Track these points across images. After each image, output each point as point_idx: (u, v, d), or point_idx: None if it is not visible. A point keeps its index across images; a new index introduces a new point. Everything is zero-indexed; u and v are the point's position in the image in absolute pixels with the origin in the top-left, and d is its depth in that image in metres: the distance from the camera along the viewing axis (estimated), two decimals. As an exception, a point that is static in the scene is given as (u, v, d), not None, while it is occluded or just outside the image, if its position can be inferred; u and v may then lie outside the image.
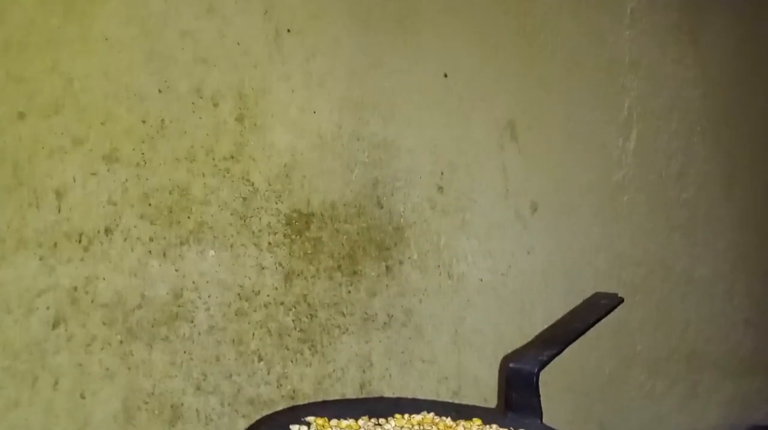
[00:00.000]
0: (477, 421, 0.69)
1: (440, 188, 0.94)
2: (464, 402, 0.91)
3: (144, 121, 0.74)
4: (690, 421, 1.22)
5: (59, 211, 0.69)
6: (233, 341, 0.77)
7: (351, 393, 0.82)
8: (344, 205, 0.86)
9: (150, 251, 0.73)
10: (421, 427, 0.68)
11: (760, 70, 1.36)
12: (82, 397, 0.69)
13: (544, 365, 0.68)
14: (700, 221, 1.27)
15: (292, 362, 0.80)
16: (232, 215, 0.78)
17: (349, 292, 0.85)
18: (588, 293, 1.04)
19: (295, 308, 0.81)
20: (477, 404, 0.92)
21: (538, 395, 0.67)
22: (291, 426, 0.66)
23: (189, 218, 0.76)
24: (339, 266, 0.85)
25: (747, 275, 1.34)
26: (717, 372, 1.25)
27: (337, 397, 0.82)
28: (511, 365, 0.70)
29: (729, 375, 1.27)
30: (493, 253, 0.98)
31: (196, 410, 0.74)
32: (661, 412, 1.18)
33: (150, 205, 0.73)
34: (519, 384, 0.68)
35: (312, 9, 0.83)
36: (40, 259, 0.67)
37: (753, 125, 1.35)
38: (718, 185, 1.30)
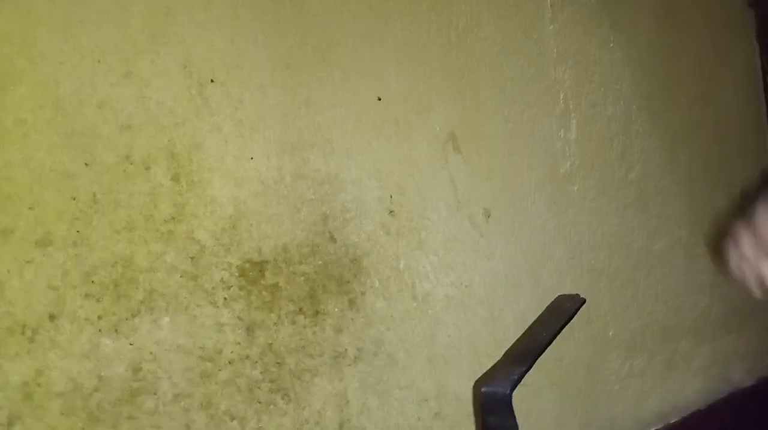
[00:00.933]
0: (458, 448, 0.65)
1: (392, 212, 0.90)
2: (447, 420, 0.87)
3: (74, 199, 0.69)
4: (673, 392, 1.19)
5: (-3, 307, 0.63)
6: (201, 405, 0.72)
7: (331, 436, 0.78)
8: (297, 246, 0.82)
9: (100, 330, 0.68)
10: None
11: (681, 39, 1.35)
12: (52, 493, 0.64)
13: (515, 384, 0.65)
14: (651, 195, 1.25)
15: (266, 415, 0.76)
16: (182, 277, 0.74)
17: (315, 333, 0.81)
18: (553, 288, 1.01)
19: (261, 359, 0.77)
20: (460, 420, 0.88)
21: (514, 416, 0.64)
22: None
23: (137, 288, 0.71)
24: (301, 309, 0.81)
25: (704, 239, 1.32)
26: (691, 340, 1.23)
27: (317, 442, 0.77)
28: (483, 389, 0.66)
29: (704, 340, 1.25)
30: (454, 267, 0.95)
31: (174, 483, 0.70)
32: (644, 389, 1.15)
33: (93, 282, 0.68)
34: (494, 407, 0.64)
35: (231, 58, 0.79)
36: (-17, 361, 0.62)
37: (686, 94, 1.33)
38: (662, 158, 1.28)
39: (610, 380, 1.11)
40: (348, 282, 0.85)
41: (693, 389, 1.21)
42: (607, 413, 1.09)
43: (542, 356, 0.79)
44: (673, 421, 1.15)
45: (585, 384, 1.07)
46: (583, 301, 0.78)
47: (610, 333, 1.12)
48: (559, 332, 0.74)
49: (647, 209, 1.24)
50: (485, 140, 1.01)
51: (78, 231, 0.68)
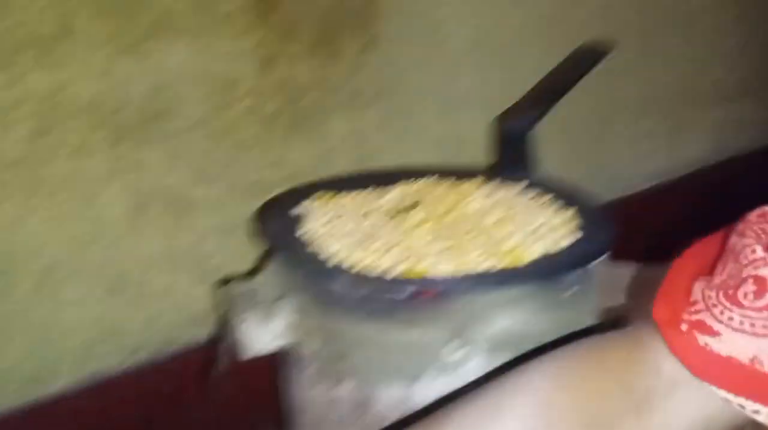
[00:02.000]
0: (479, 179, 0.66)
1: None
2: (459, 160, 0.88)
3: None
4: (675, 154, 1.19)
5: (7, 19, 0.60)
6: (222, 132, 0.72)
7: (349, 169, 0.78)
8: (316, -22, 0.75)
9: (116, 50, 0.65)
10: (427, 189, 0.65)
11: None
12: (86, 201, 0.66)
13: (534, 121, 0.63)
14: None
15: (285, 146, 0.76)
16: (195, 2, 0.68)
17: (333, 71, 0.78)
18: (577, 42, 0.96)
19: (280, 92, 0.75)
20: (475, 164, 0.89)
21: (533, 152, 0.63)
22: (302, 202, 0.63)
23: (151, 8, 0.66)
24: (318, 43, 0.76)
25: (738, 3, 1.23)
26: (699, 107, 1.20)
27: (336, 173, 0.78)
28: (503, 125, 0.64)
29: (710, 109, 1.22)
30: (479, 11, 0.88)
31: (203, 198, 0.72)
32: (651, 147, 1.15)
33: (105, 1, 0.64)
34: (513, 142, 0.64)
35: None
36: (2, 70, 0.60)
37: None
38: None
39: (619, 136, 1.10)
40: (368, 21, 0.79)
41: (694, 153, 1.21)
42: (611, 165, 1.09)
43: (554, 107, 0.76)
44: (671, 178, 1.17)
45: (594, 137, 1.07)
46: (609, 49, 0.73)
47: (626, 90, 1.08)
48: (581, 77, 0.70)
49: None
50: None
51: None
